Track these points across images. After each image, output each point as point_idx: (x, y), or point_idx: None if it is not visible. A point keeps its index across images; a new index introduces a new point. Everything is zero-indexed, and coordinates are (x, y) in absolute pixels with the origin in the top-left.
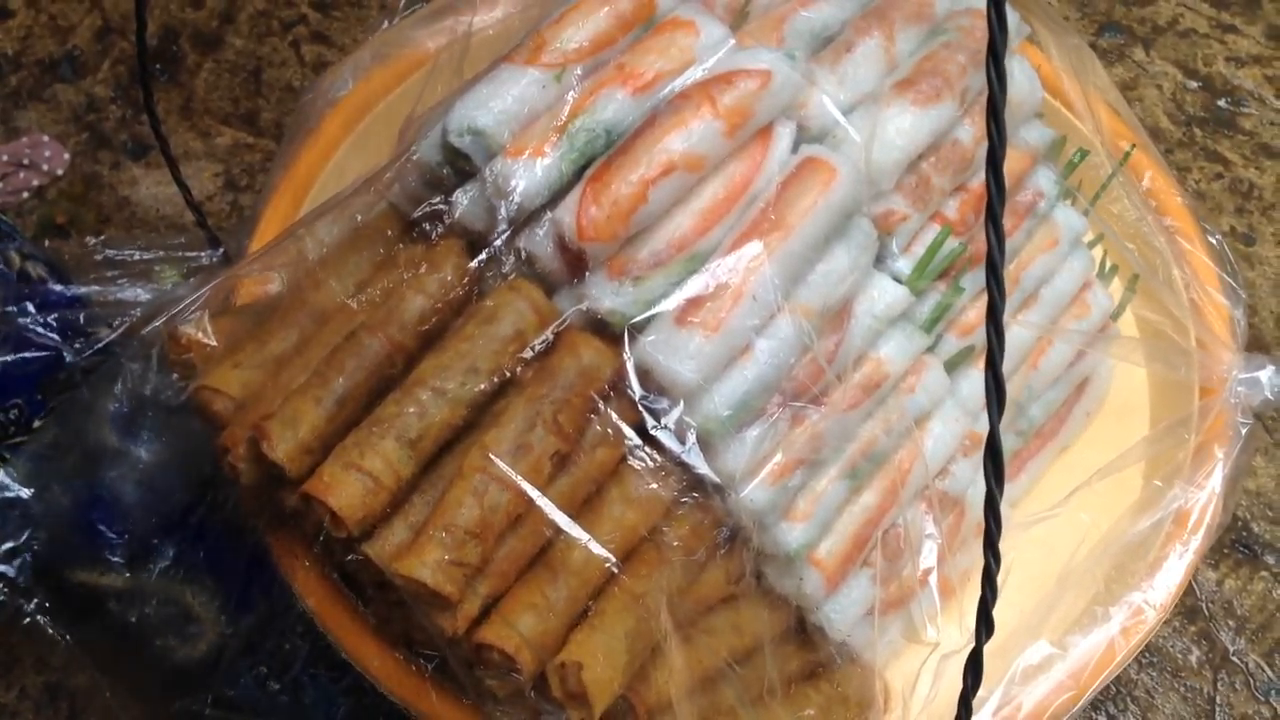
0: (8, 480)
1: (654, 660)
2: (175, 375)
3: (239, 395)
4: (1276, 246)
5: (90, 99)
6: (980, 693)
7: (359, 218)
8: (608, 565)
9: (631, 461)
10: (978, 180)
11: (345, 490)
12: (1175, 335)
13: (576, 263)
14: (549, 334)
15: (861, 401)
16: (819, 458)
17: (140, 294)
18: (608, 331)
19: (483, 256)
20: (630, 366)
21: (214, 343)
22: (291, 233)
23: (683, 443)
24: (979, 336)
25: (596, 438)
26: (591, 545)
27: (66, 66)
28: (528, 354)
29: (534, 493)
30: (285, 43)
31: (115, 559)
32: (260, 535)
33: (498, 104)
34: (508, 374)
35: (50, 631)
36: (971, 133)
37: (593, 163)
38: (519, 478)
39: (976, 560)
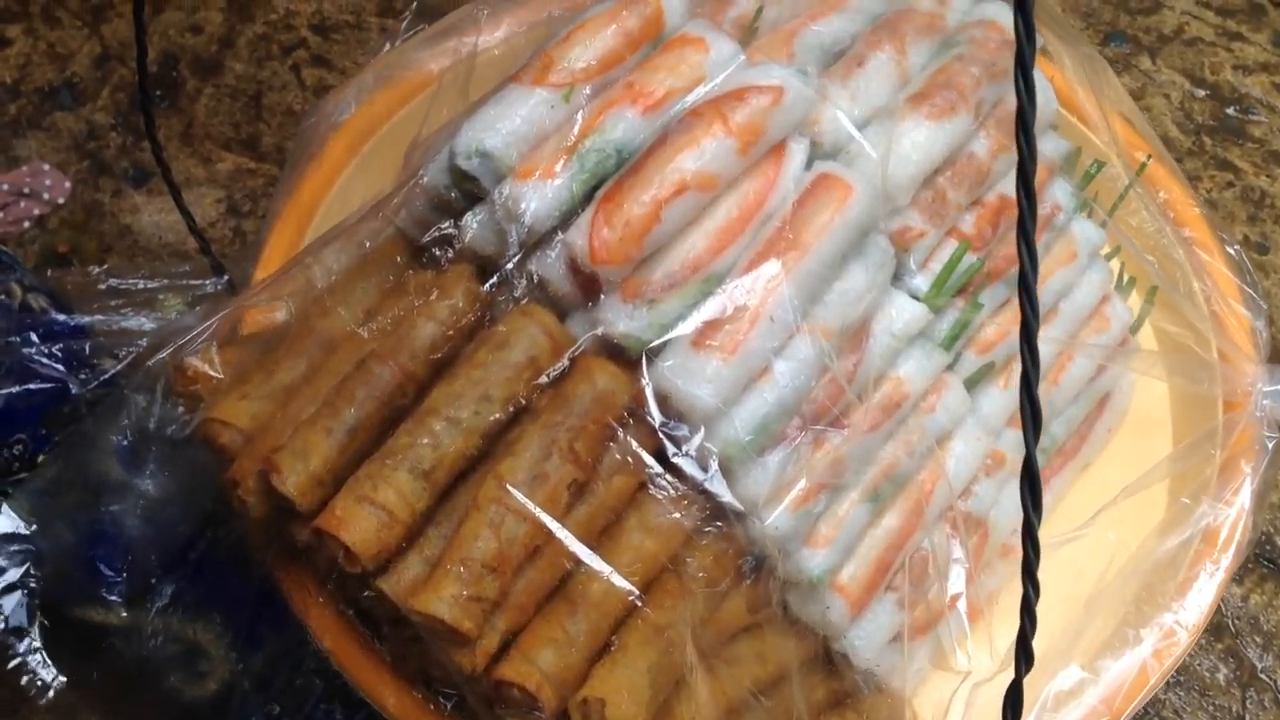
0: (10, 516)
1: (678, 693)
2: (181, 408)
3: (247, 427)
4: None
5: (90, 126)
6: None
7: (366, 244)
8: (629, 597)
9: (650, 489)
10: (994, 194)
11: (359, 525)
12: (1197, 348)
13: (589, 286)
14: (564, 360)
15: (882, 422)
16: (841, 481)
17: (145, 323)
18: (623, 356)
19: (494, 281)
20: (648, 392)
21: (220, 374)
22: (298, 261)
23: (705, 470)
24: (999, 353)
25: (614, 465)
26: (612, 577)
27: (66, 94)
28: (542, 380)
29: (552, 524)
30: (285, 67)
31: (117, 596)
32: (268, 569)
33: (505, 125)
34: (522, 401)
35: (53, 670)
36: (987, 146)
37: (604, 183)
38: (536, 508)
39: (1002, 582)
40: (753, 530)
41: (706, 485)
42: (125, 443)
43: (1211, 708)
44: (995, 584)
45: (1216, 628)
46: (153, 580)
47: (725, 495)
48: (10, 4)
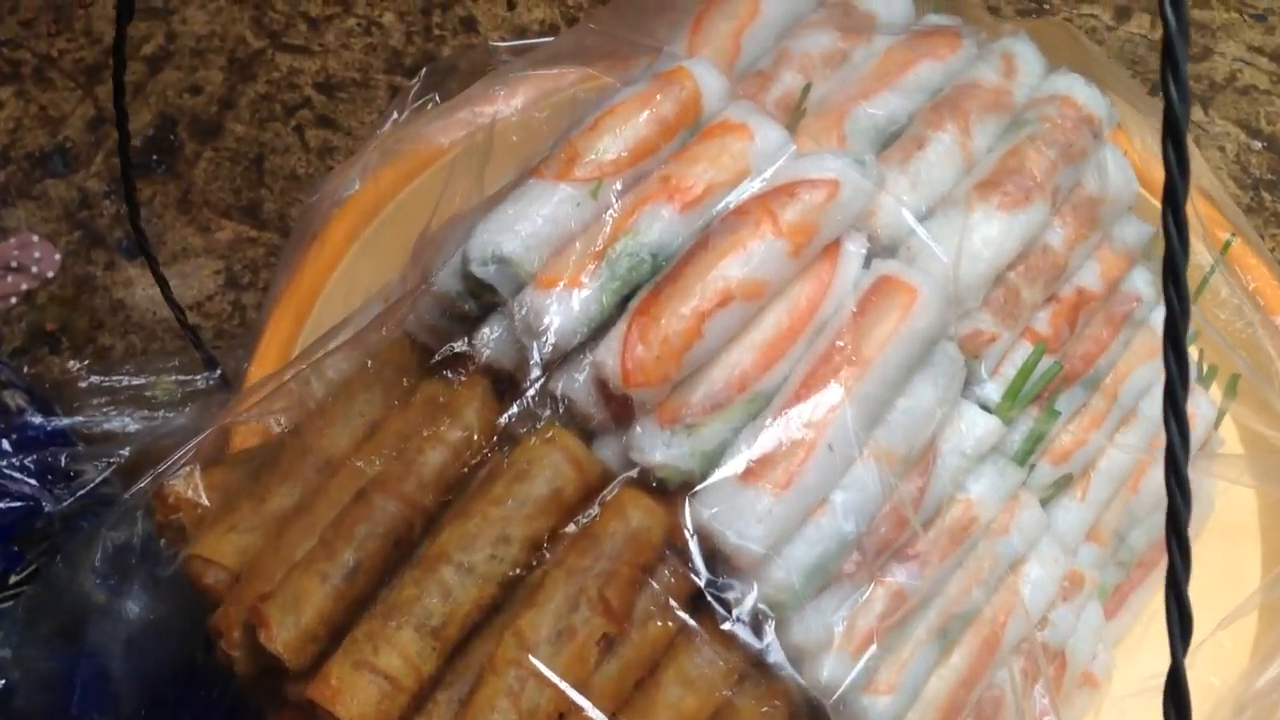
0: None
1: None
2: (164, 540)
3: (234, 565)
4: None
5: (83, 194)
6: None
7: (371, 352)
8: None
9: (688, 636)
10: (1070, 287)
11: (357, 696)
12: None
13: (621, 408)
14: (595, 503)
15: (951, 551)
16: (905, 621)
17: (129, 424)
18: (660, 488)
19: (514, 410)
20: (689, 533)
21: (206, 501)
22: (294, 370)
23: (760, 636)
24: (1076, 462)
25: (648, 612)
26: None
27: (57, 159)
28: (568, 520)
29: (580, 699)
30: (288, 128)
31: None
32: (261, 715)
33: (525, 226)
34: (545, 542)
35: None
36: (1063, 236)
37: (637, 293)
38: (559, 678)
39: (1082, 713)
40: (806, 678)
41: (762, 651)
42: (107, 562)
43: None
44: (1075, 717)
45: None
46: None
47: (776, 653)
48: (0, 64)
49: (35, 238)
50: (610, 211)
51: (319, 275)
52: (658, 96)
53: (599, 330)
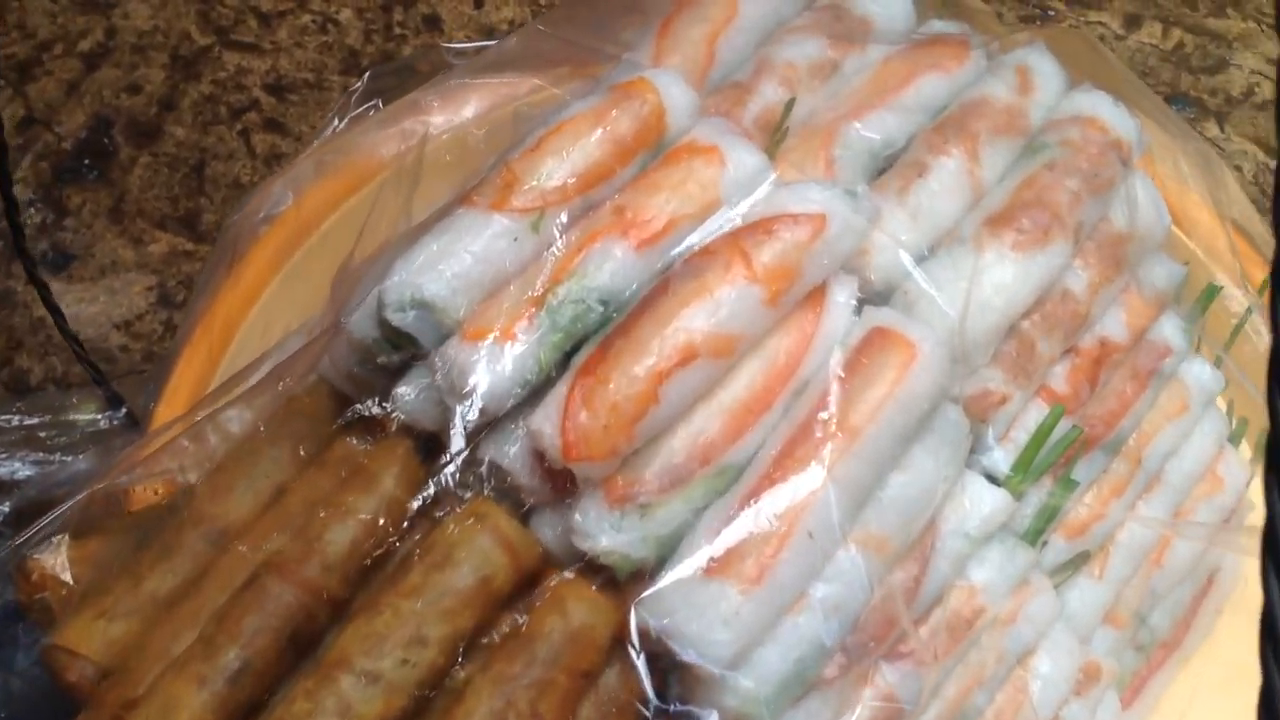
0: None
1: None
2: (27, 622)
3: (103, 659)
4: None
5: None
6: None
7: (278, 401)
8: None
9: None
10: (1092, 338)
11: None
12: None
13: (564, 480)
14: (531, 596)
15: (950, 649)
16: None
17: (20, 469)
18: (606, 578)
19: (436, 481)
20: (639, 659)
21: (73, 580)
22: (189, 422)
23: None
24: (1094, 537)
25: None
26: None
27: None
28: (497, 621)
29: None
30: (233, 132)
31: None
32: None
33: (451, 265)
34: (468, 643)
35: None
36: (1085, 280)
37: (582, 347)
38: None
39: None
40: None
41: None
42: None
43: None
44: None
45: None
46: None
47: None
48: None
49: None
50: (553, 249)
51: (235, 312)
52: (613, 112)
53: (537, 392)
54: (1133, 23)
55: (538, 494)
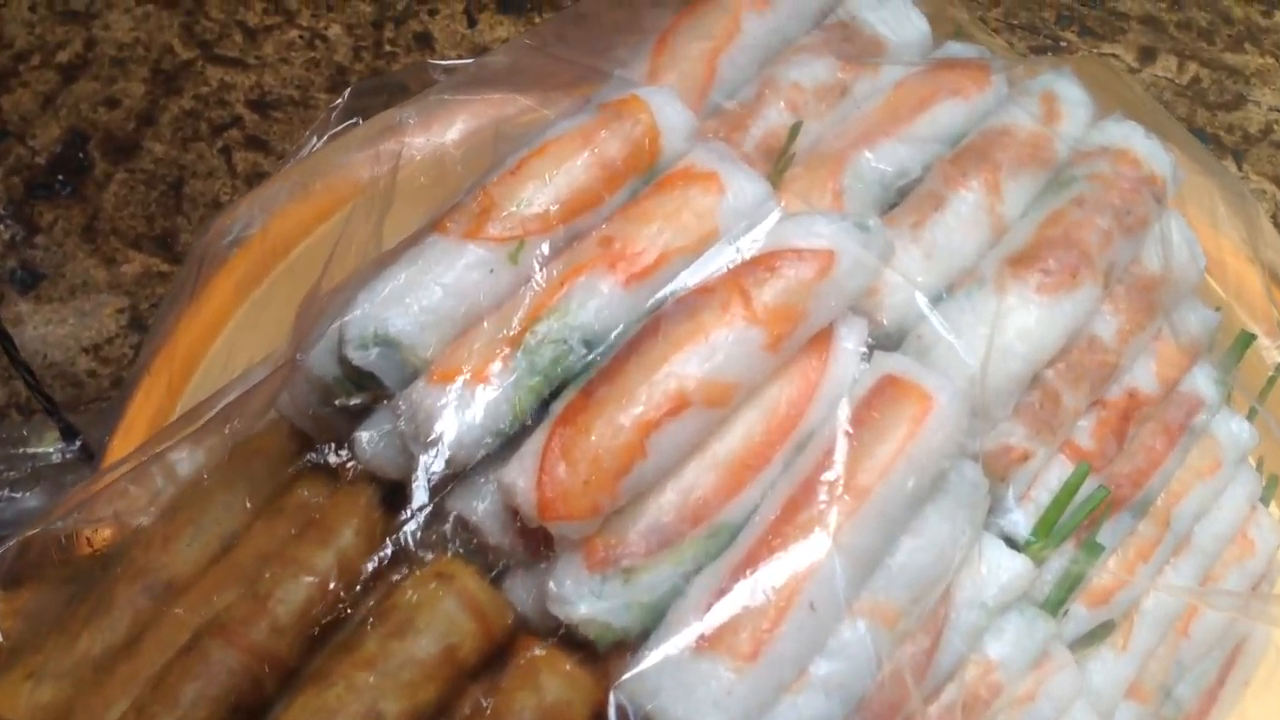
0: None
1: None
2: None
3: None
4: None
5: None
6: None
7: (234, 438)
8: None
9: None
10: (1120, 389)
11: None
12: None
13: (541, 538)
14: (502, 667)
15: None
16: None
17: None
18: (586, 648)
19: (400, 535)
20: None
21: (0, 635)
22: (135, 463)
23: None
24: (1118, 605)
25: None
26: None
27: None
28: (464, 695)
29: None
30: (214, 149)
31: None
32: None
33: (420, 299)
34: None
35: None
36: (1115, 326)
37: (563, 393)
38: None
39: None
40: None
41: None
42: None
43: None
44: None
45: None
46: None
47: None
48: None
49: None
50: (532, 282)
51: (199, 337)
52: (602, 133)
53: (511, 441)
54: (1147, 56)
55: (511, 554)
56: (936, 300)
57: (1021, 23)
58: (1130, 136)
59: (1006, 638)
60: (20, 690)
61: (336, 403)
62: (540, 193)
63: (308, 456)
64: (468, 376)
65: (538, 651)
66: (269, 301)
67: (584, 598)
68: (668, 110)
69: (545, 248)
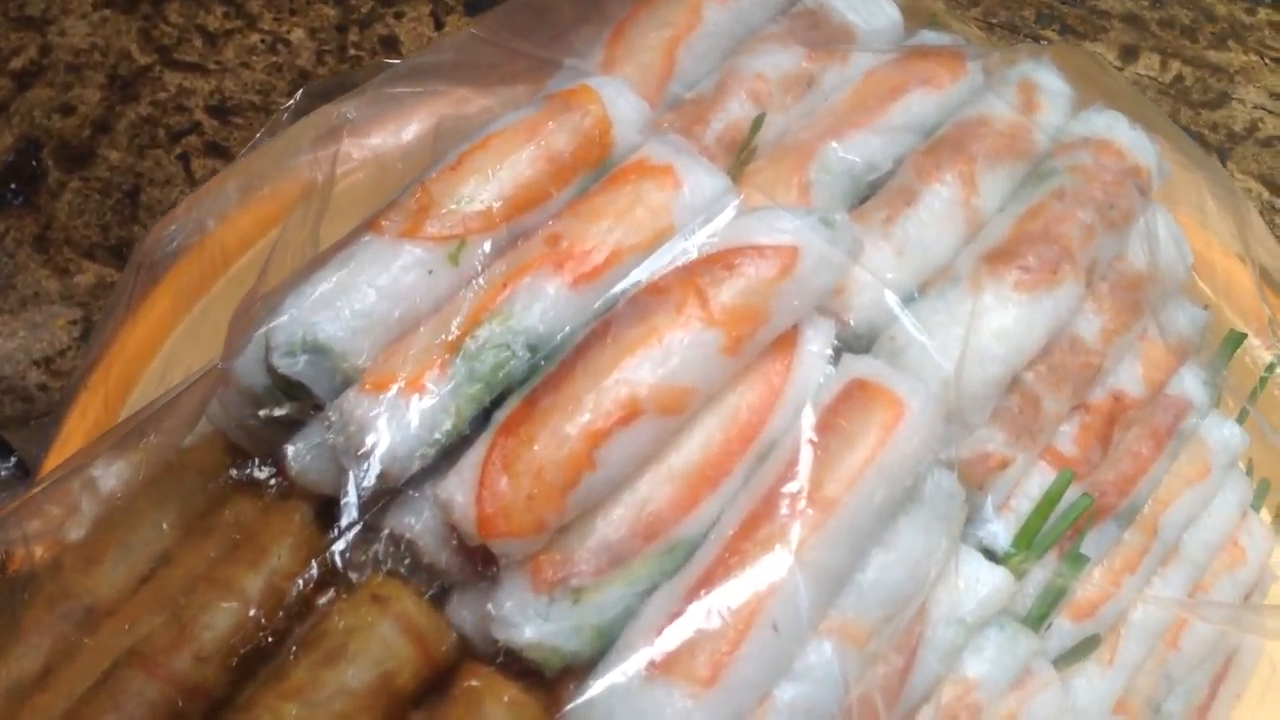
0: None
1: None
2: None
3: None
4: None
5: None
6: None
7: (166, 451)
8: None
9: None
10: (1103, 392)
11: None
12: None
13: (483, 556)
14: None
15: None
16: None
17: None
18: (534, 673)
19: (333, 552)
20: None
21: None
22: (61, 478)
23: None
24: (1104, 618)
25: None
26: None
27: None
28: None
29: None
30: (172, 156)
31: None
32: None
33: (352, 303)
34: None
35: None
36: (1098, 325)
37: (505, 401)
38: None
39: None
40: None
41: None
42: None
43: None
44: None
45: None
46: None
47: None
48: None
49: None
50: (475, 284)
51: (138, 350)
52: (549, 125)
53: (448, 454)
54: (1129, 54)
55: (453, 571)
56: (909, 300)
57: (1001, 21)
58: (1113, 127)
59: (986, 655)
60: None
61: (261, 414)
62: (482, 189)
63: (241, 471)
64: (402, 384)
65: (480, 678)
66: (210, 313)
67: (529, 620)
68: (620, 101)
69: (487, 247)
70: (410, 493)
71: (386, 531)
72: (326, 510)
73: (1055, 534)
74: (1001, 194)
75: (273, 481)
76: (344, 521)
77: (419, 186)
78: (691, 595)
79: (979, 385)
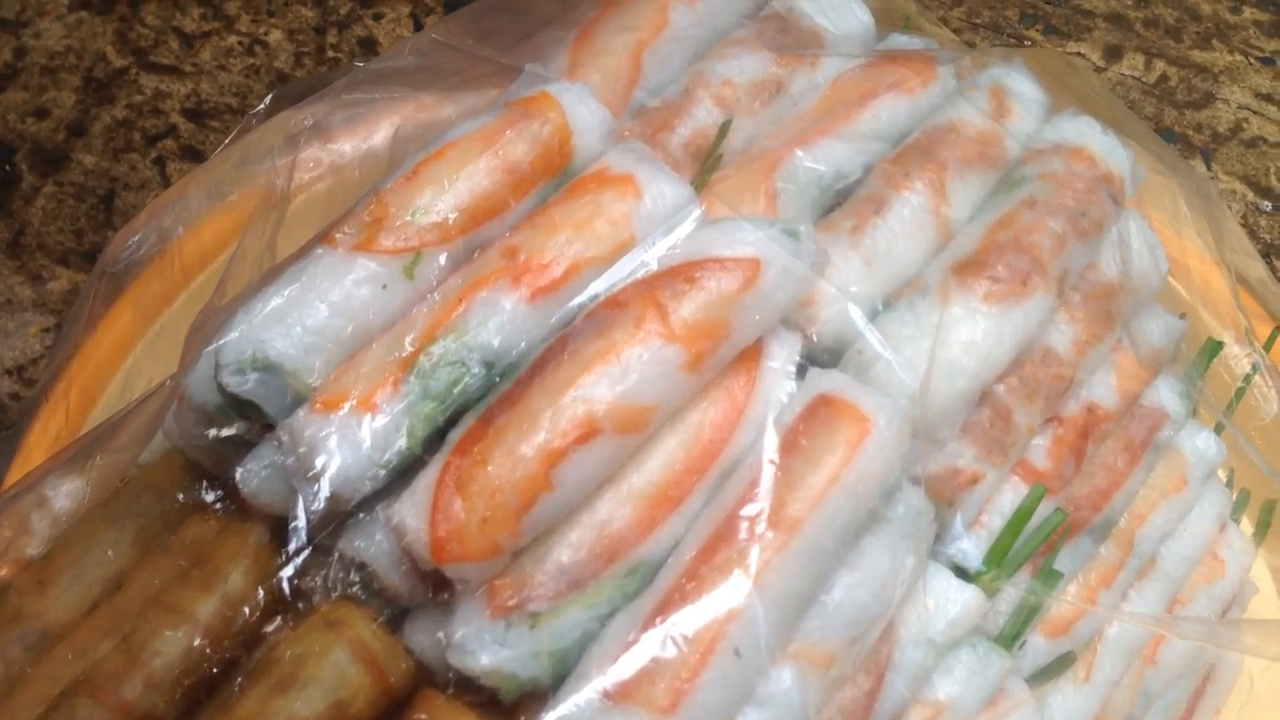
0: None
1: None
2: None
3: None
4: None
5: None
6: None
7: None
8: None
9: None
10: (1077, 404)
11: None
12: None
13: (438, 580)
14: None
15: None
16: None
17: None
18: (491, 700)
19: (285, 576)
20: None
21: None
22: (13, 496)
23: None
24: (1079, 634)
25: None
26: None
27: None
28: None
29: None
30: (147, 160)
31: None
32: None
33: (303, 319)
34: None
35: None
36: (1071, 335)
37: (460, 420)
38: None
39: None
40: None
41: None
42: None
43: None
44: None
45: None
46: None
47: None
48: None
49: None
50: (430, 298)
51: (100, 363)
52: (507, 133)
53: (402, 475)
54: (1113, 54)
55: (407, 595)
56: (875, 313)
57: (985, 22)
58: (1085, 133)
59: (957, 676)
60: None
61: (210, 433)
62: (438, 200)
63: (198, 491)
64: (354, 403)
65: (436, 706)
66: (173, 326)
67: (486, 646)
68: (581, 108)
69: (443, 260)
70: (362, 515)
71: (338, 555)
72: (283, 530)
73: (1028, 550)
74: (972, 202)
75: (227, 502)
76: (292, 546)
77: (374, 197)
78: (650, 621)
79: (947, 399)
